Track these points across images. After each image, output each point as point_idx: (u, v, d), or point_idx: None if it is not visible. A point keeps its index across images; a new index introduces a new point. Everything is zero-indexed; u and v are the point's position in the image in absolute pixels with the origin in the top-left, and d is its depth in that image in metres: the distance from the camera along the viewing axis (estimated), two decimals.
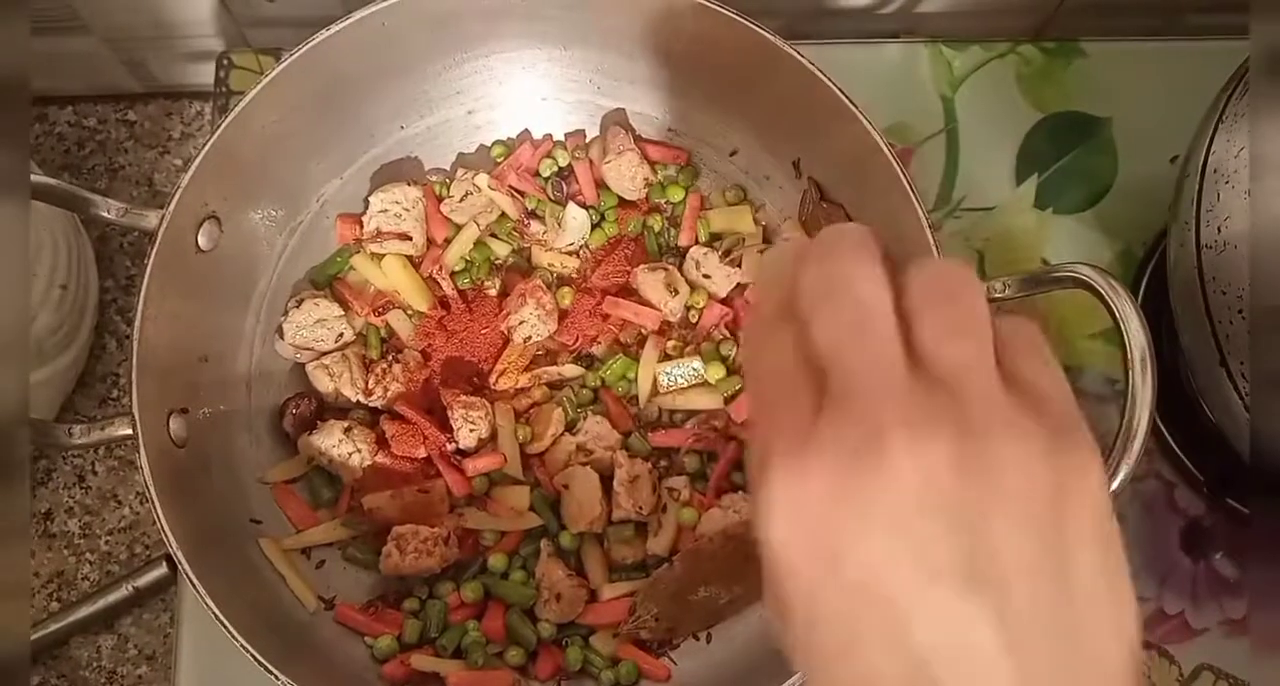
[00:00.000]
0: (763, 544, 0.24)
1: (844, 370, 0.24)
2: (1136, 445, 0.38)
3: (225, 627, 0.40)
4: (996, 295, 0.44)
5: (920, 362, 0.24)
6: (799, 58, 0.46)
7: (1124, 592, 0.24)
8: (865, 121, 0.46)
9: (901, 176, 0.45)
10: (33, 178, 0.42)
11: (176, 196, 0.44)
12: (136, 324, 0.43)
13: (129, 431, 0.42)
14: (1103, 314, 0.57)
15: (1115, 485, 0.39)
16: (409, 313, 0.53)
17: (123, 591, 0.57)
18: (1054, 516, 0.23)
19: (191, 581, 0.40)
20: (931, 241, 0.44)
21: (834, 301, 0.24)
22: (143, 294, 0.43)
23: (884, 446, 0.22)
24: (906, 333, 0.24)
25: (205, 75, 0.61)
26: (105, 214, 0.44)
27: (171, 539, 0.41)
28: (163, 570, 0.57)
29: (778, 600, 0.24)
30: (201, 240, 0.46)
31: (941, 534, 0.22)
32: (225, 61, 0.60)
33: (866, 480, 0.22)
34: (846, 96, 0.46)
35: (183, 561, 0.41)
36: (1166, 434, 0.55)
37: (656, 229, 0.55)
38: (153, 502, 0.41)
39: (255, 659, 0.40)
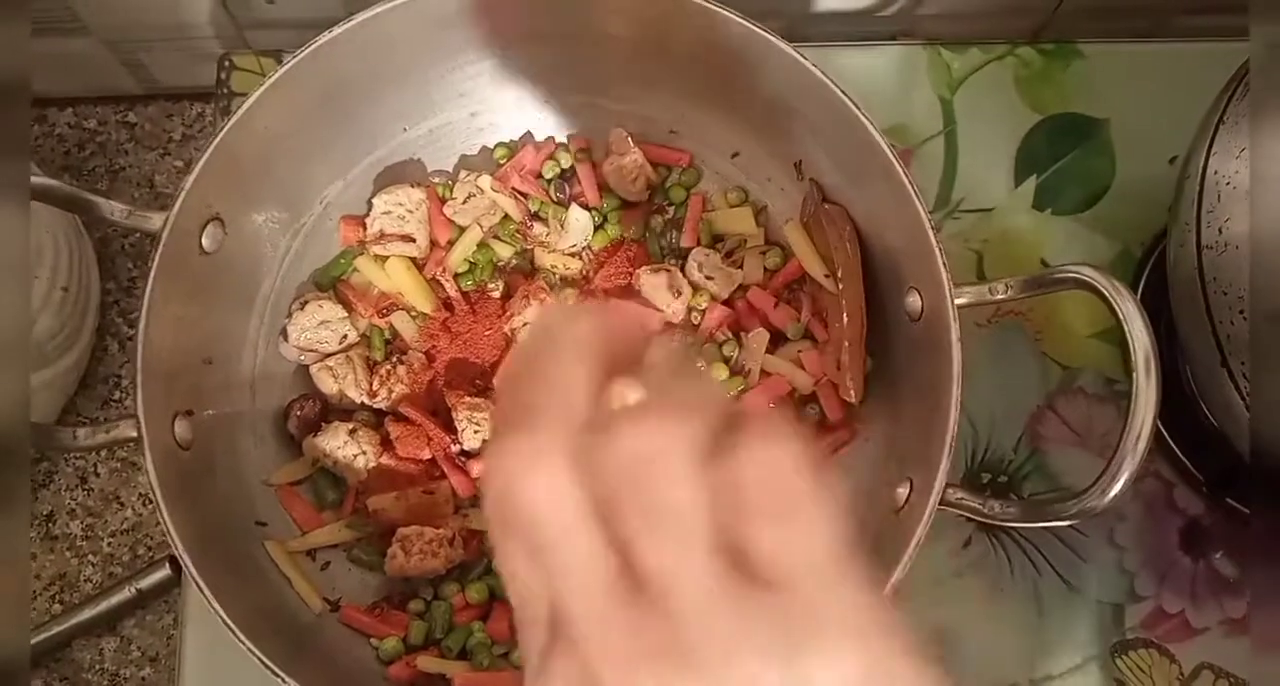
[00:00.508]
0: None
1: (549, 594, 0.21)
2: (1141, 446, 0.39)
3: (231, 630, 0.40)
4: (997, 297, 0.44)
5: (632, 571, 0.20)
6: (801, 60, 0.46)
7: None
8: (867, 122, 0.46)
9: (904, 177, 0.45)
10: (36, 179, 0.43)
11: (181, 198, 0.44)
12: (141, 326, 0.43)
13: (134, 433, 0.42)
14: (1102, 314, 0.58)
15: (1119, 487, 0.39)
16: (413, 314, 0.53)
17: (125, 593, 0.57)
18: None
19: (197, 584, 0.40)
20: (934, 242, 0.44)
21: (512, 521, 0.21)
22: (147, 296, 0.43)
23: None
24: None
25: (205, 77, 0.61)
26: (109, 216, 0.44)
27: (177, 541, 0.41)
28: (165, 572, 0.57)
29: None
30: (205, 242, 0.46)
31: None
32: (226, 63, 0.60)
33: None
34: (849, 97, 0.46)
35: (188, 563, 0.41)
36: (1166, 434, 0.55)
37: (658, 231, 0.55)
38: (158, 505, 0.41)
39: (261, 661, 0.40)
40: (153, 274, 0.43)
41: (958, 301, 0.44)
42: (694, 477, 0.20)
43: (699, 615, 0.20)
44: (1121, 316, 0.40)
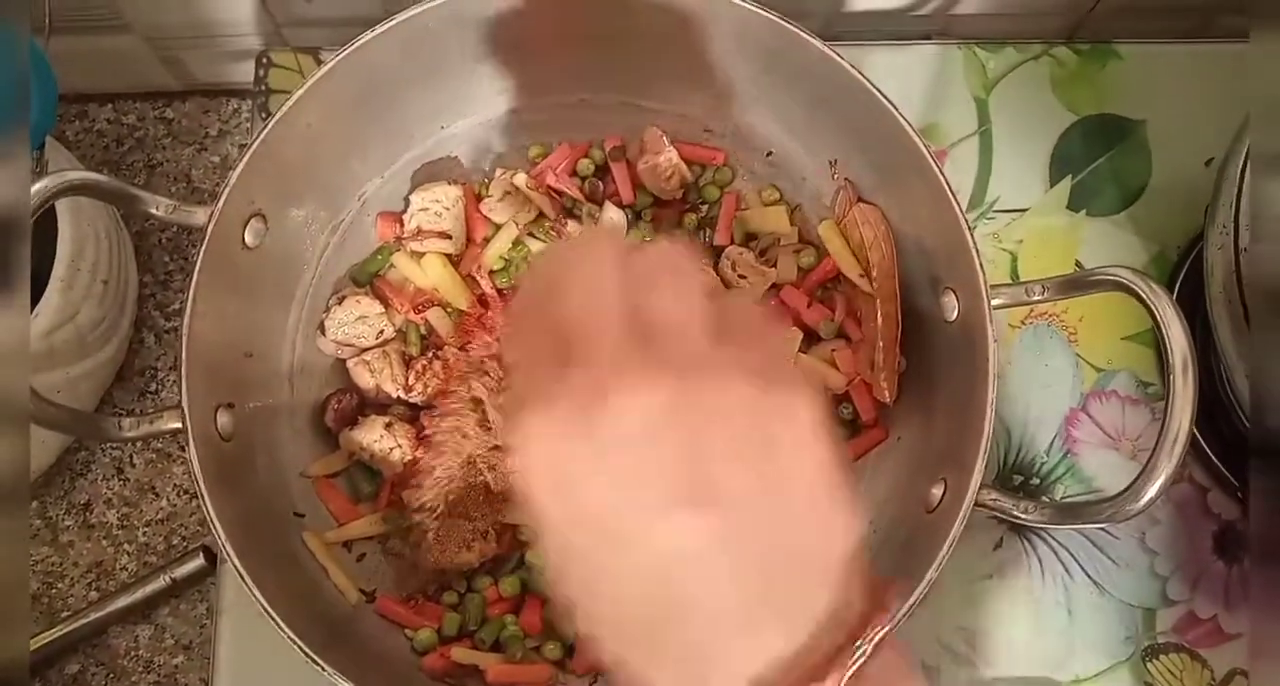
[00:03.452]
0: (515, 478, 0.28)
1: (579, 335, 0.28)
2: (1178, 450, 0.38)
3: (272, 618, 0.41)
4: (1035, 298, 0.44)
5: (643, 326, 0.28)
6: (837, 59, 0.47)
7: (842, 516, 0.28)
8: (903, 121, 0.46)
9: (940, 177, 0.45)
10: (83, 174, 0.43)
11: (225, 193, 0.44)
12: (185, 318, 0.43)
13: (178, 425, 0.42)
14: (1136, 316, 0.57)
15: (1154, 491, 0.39)
16: (448, 310, 0.54)
17: (160, 582, 0.58)
18: (762, 450, 0.27)
19: (240, 573, 0.41)
20: (971, 242, 0.44)
21: (573, 281, 0.29)
22: (191, 289, 0.44)
23: (606, 397, 0.26)
24: (635, 300, 0.28)
25: (243, 73, 0.61)
26: (154, 210, 0.44)
27: (219, 530, 0.41)
28: (200, 561, 0.58)
29: (533, 534, 0.28)
30: (248, 237, 0.47)
31: (661, 468, 0.26)
32: (264, 60, 0.60)
33: (593, 427, 0.26)
34: (885, 97, 0.46)
35: (230, 553, 0.41)
36: (1200, 438, 0.55)
37: (692, 229, 0.55)
38: (201, 495, 0.42)
39: (301, 650, 0.41)
40: (198, 267, 0.44)
41: (994, 302, 0.44)
42: (697, 281, 0.29)
43: (696, 355, 0.27)
44: (1159, 319, 0.40)
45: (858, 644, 0.27)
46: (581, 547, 0.27)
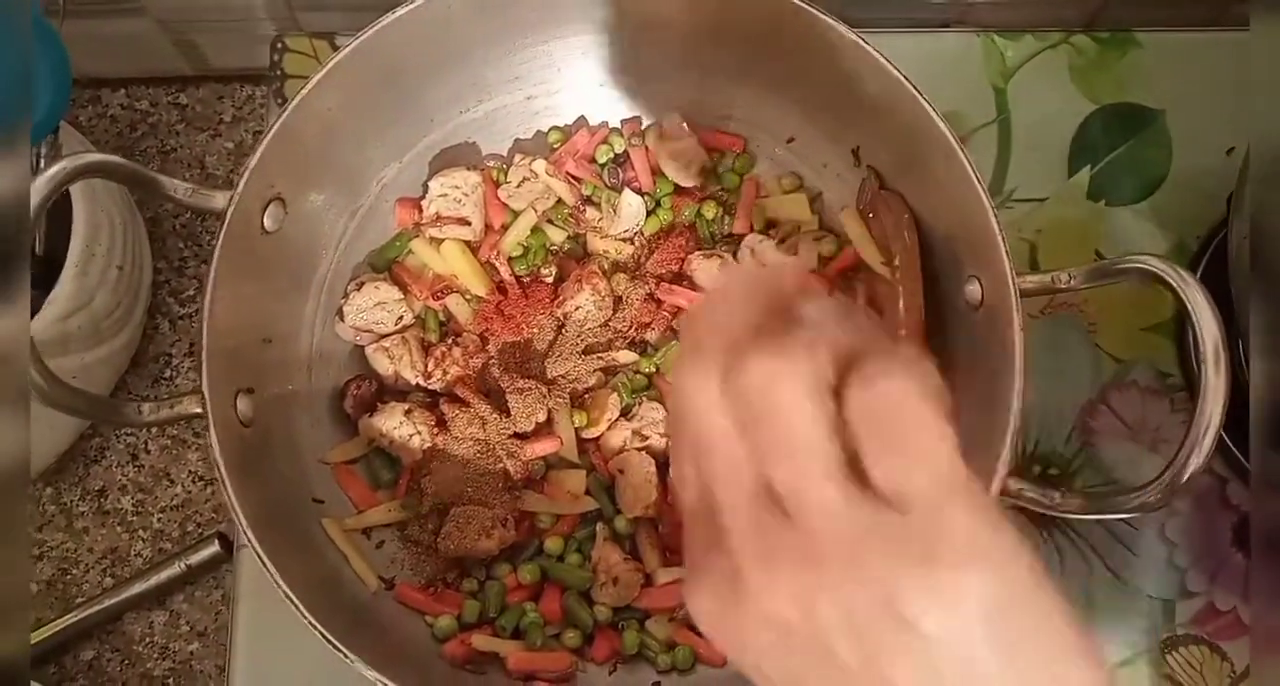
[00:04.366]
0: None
1: (715, 501, 0.24)
2: (1209, 438, 0.38)
3: (294, 604, 0.40)
4: (1061, 286, 0.44)
5: (767, 484, 0.24)
6: (862, 43, 0.46)
7: None
8: (928, 106, 0.45)
9: (965, 162, 0.45)
10: (102, 156, 0.43)
11: (245, 177, 0.44)
12: (205, 302, 0.43)
13: (199, 410, 0.42)
14: (1155, 308, 0.57)
15: (1185, 479, 0.39)
16: (467, 297, 0.53)
17: (175, 568, 0.58)
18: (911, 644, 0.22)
19: (262, 560, 0.41)
20: (997, 228, 0.44)
21: (683, 430, 0.25)
22: (212, 273, 0.43)
23: (742, 583, 0.23)
24: (750, 447, 0.24)
25: (257, 58, 0.61)
26: (172, 194, 0.44)
27: (241, 516, 0.41)
28: (215, 548, 0.58)
29: None
30: (267, 222, 0.46)
31: (804, 665, 0.23)
32: (279, 45, 0.60)
33: (737, 610, 0.24)
34: (910, 81, 0.46)
35: (251, 538, 0.41)
36: (1220, 428, 0.55)
37: (711, 216, 0.55)
38: (222, 480, 0.42)
39: (323, 636, 0.40)
40: (218, 251, 0.43)
41: (1021, 290, 0.43)
42: (810, 407, 0.23)
43: (825, 528, 0.23)
44: (1190, 307, 0.40)
45: None
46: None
